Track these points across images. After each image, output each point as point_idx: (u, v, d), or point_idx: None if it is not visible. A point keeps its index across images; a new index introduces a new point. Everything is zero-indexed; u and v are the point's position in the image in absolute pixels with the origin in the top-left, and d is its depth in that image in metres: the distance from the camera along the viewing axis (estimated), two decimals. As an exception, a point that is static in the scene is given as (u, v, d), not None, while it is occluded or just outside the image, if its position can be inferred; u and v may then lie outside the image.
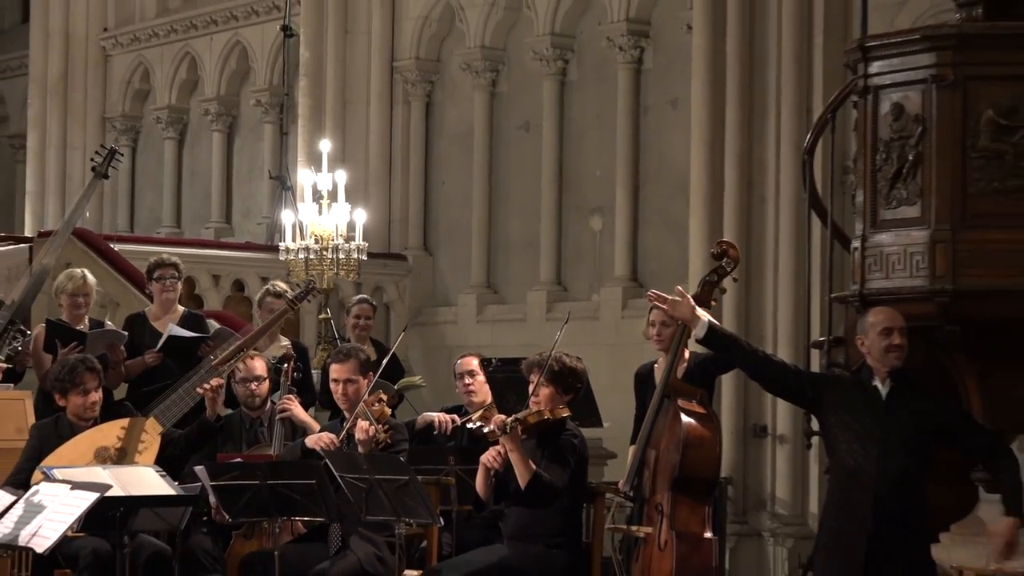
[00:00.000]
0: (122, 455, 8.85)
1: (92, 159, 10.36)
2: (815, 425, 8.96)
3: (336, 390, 8.92)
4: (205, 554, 8.88)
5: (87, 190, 10.35)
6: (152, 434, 9.00)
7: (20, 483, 8.49)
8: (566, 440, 8.22)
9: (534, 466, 8.00)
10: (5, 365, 8.86)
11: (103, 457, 8.73)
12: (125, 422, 8.99)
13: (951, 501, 8.21)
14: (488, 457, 8.27)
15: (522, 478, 8.00)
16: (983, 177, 7.47)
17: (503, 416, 8.16)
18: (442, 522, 8.52)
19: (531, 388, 8.29)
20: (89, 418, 8.95)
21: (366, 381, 8.94)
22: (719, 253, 8.98)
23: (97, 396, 8.91)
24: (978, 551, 8.12)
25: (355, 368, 8.91)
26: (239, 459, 8.80)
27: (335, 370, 8.96)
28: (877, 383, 7.28)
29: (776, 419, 11.98)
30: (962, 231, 7.44)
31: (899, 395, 7.25)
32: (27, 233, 17.20)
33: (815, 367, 9.57)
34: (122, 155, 10.17)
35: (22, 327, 9.18)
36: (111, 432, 8.91)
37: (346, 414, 8.91)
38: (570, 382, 8.32)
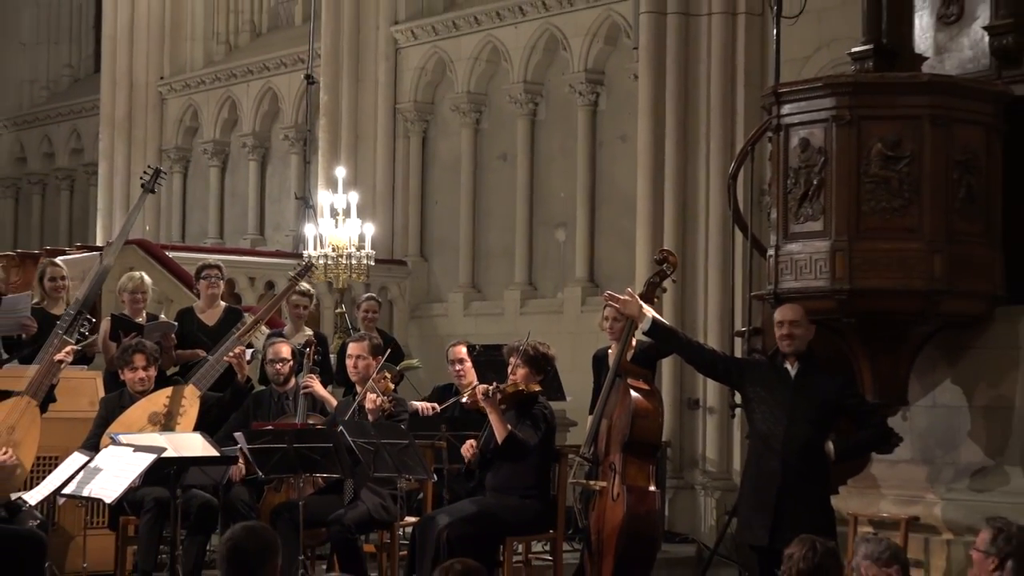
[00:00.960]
0: (169, 417, 8.84)
1: (141, 177, 10.31)
2: (738, 399, 8.97)
3: (350, 365, 9.03)
4: (243, 503, 8.86)
5: (138, 203, 10.29)
6: (191, 398, 8.99)
7: (92, 446, 8.47)
8: (538, 410, 8.26)
9: (509, 427, 8.03)
10: (76, 347, 8.85)
11: (155, 420, 8.73)
12: (169, 390, 8.98)
13: (848, 461, 8.22)
14: (464, 449, 8.35)
15: (499, 435, 8.03)
16: (873, 198, 7.48)
17: (486, 385, 8.19)
18: (435, 478, 8.52)
19: (510, 368, 8.31)
20: (141, 391, 8.95)
21: (375, 361, 8.99)
22: (661, 259, 8.98)
23: (145, 373, 8.91)
24: (870, 500, 8.13)
25: (367, 348, 9.03)
26: (270, 427, 8.79)
27: (352, 348, 9.09)
28: (788, 365, 7.31)
29: (706, 394, 11.99)
30: (857, 242, 7.45)
31: (805, 375, 7.28)
32: (98, 243, 17.17)
33: (738, 352, 9.58)
34: (166, 173, 10.12)
35: (88, 316, 9.16)
36: (159, 400, 8.90)
37: (357, 387, 8.96)
38: (542, 364, 8.35)
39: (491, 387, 8.11)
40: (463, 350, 9.98)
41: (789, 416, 7.29)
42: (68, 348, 8.61)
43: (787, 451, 7.27)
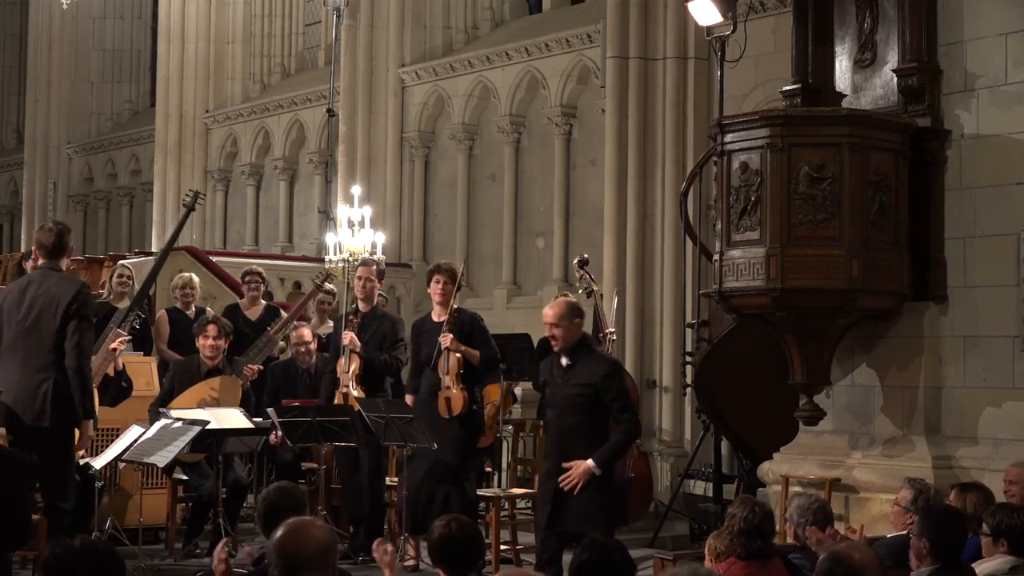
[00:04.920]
0: (215, 403, 8.83)
1: (184, 198, 10.18)
2: (688, 379, 8.93)
3: (359, 285, 8.91)
4: (286, 463, 9.00)
5: (182, 219, 10.09)
6: (234, 387, 8.99)
7: (163, 400, 8.67)
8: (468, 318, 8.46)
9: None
10: (128, 337, 8.70)
11: (203, 405, 8.73)
12: (216, 380, 8.98)
13: (780, 431, 8.21)
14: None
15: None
16: (802, 212, 7.46)
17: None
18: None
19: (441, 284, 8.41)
20: (212, 356, 8.97)
21: (379, 285, 9.11)
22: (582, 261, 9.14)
23: (215, 342, 8.98)
24: (798, 464, 8.12)
25: (373, 272, 9.00)
26: (297, 403, 8.76)
27: (360, 271, 8.99)
28: (562, 359, 6.95)
29: (662, 376, 11.97)
30: (788, 248, 7.43)
31: (572, 368, 6.87)
32: (153, 249, 17.11)
33: (689, 342, 9.56)
34: (204, 195, 9.98)
35: (139, 312, 9.04)
36: (207, 388, 8.92)
37: (361, 304, 8.91)
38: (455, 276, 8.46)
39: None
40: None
41: (560, 408, 6.89)
42: (121, 338, 8.49)
43: (558, 441, 6.89)
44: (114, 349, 8.45)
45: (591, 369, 6.87)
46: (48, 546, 3.72)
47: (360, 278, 8.89)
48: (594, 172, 13.96)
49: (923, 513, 5.22)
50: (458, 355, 8.24)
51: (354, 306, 8.93)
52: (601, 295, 10.28)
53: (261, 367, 9.11)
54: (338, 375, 8.76)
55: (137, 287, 10.04)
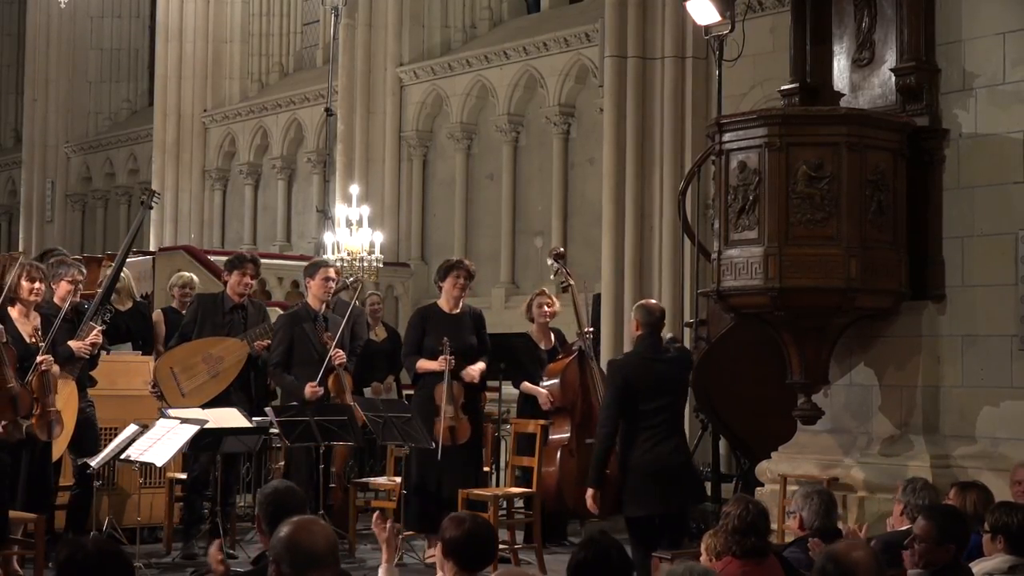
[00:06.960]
0: (219, 361, 8.69)
1: (140, 197, 9.92)
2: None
3: (327, 287, 8.87)
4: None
5: (140, 217, 9.83)
6: (241, 353, 8.77)
7: (185, 335, 8.66)
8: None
9: None
10: (102, 328, 8.55)
11: (207, 360, 8.64)
12: (227, 341, 8.78)
13: (778, 430, 8.21)
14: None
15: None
16: (800, 211, 7.45)
17: None
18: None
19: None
20: (241, 294, 8.76)
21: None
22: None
23: (252, 281, 8.83)
24: (797, 464, 8.12)
25: (337, 272, 9.12)
26: (295, 403, 8.75)
27: (331, 272, 9.03)
28: None
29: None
30: (786, 248, 7.42)
31: None
32: (151, 248, 17.09)
33: (687, 341, 9.56)
34: (160, 194, 9.66)
35: (109, 307, 8.89)
36: (217, 346, 8.75)
37: (322, 306, 8.85)
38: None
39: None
40: None
41: None
42: (96, 331, 8.35)
43: None
44: (93, 344, 8.28)
45: None
46: (61, 548, 3.72)
47: (331, 279, 8.84)
48: (592, 171, 13.96)
49: (928, 516, 5.22)
50: (464, 381, 8.36)
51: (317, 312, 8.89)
52: (574, 290, 10.07)
53: (269, 342, 8.96)
54: (332, 393, 8.70)
55: (132, 285, 10.03)
